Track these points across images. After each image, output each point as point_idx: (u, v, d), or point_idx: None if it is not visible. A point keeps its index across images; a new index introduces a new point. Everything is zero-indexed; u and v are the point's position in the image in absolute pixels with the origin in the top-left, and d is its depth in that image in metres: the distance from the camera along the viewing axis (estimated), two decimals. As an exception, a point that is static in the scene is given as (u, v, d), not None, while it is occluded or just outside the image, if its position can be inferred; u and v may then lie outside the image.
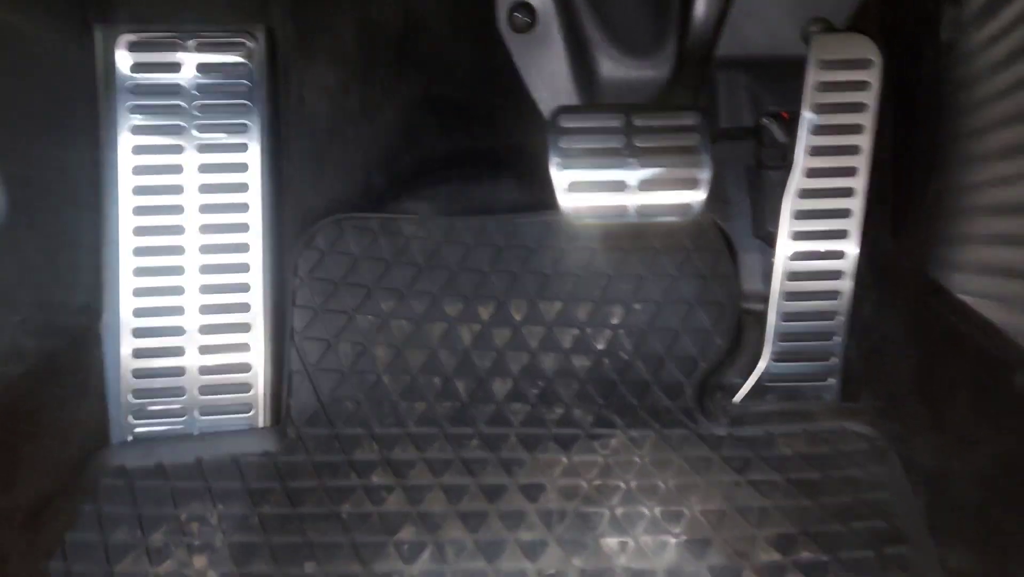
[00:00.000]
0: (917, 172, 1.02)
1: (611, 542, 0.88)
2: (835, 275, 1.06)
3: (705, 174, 0.95)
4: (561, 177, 0.96)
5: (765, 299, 1.15)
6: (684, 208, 0.96)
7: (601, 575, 0.84)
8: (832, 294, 1.06)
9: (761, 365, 1.07)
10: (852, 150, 1.03)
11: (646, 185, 0.95)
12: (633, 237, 1.17)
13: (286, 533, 0.89)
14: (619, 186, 0.96)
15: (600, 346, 1.12)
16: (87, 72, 0.99)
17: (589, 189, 0.96)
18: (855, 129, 1.03)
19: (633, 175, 0.95)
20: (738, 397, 1.08)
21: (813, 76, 1.02)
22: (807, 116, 1.02)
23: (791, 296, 1.06)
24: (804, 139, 1.03)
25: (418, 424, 1.04)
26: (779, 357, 1.07)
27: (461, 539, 0.88)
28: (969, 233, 0.91)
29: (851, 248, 1.05)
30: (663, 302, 1.14)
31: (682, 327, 1.13)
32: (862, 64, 1.02)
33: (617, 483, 0.96)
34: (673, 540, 0.88)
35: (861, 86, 1.02)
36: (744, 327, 1.16)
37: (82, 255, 0.98)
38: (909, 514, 0.88)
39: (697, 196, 0.96)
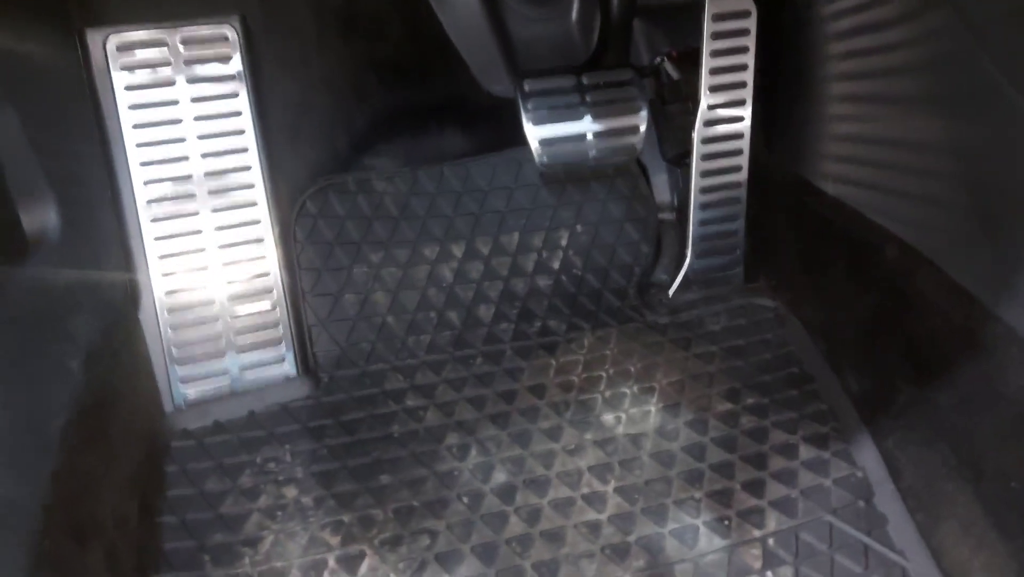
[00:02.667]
0: (785, 103, 1.31)
1: (608, 418, 1.15)
2: (734, 186, 1.34)
3: (643, 120, 1.19)
4: (534, 133, 1.15)
5: (674, 209, 1.43)
6: (630, 149, 1.20)
7: (608, 443, 1.11)
8: (733, 201, 1.35)
9: (686, 263, 1.35)
10: (740, 85, 1.29)
11: (599, 135, 1.18)
12: (567, 171, 1.39)
13: (355, 456, 1.08)
14: (579, 137, 1.17)
15: (556, 266, 1.35)
16: (83, 77, 1.04)
17: (557, 143, 1.17)
18: (741, 68, 1.29)
19: (589, 127, 1.17)
20: (671, 291, 1.36)
21: (708, 28, 1.26)
22: (705, 61, 1.27)
23: (703, 207, 1.34)
24: (704, 80, 1.27)
25: (428, 353, 1.24)
26: (698, 255, 1.36)
27: (496, 435, 1.11)
28: (827, 152, 1.21)
29: (744, 163, 1.33)
30: (599, 223, 1.39)
31: (617, 241, 1.39)
32: (743, 15, 1.27)
33: (599, 373, 1.22)
34: (653, 408, 1.16)
35: (743, 33, 1.27)
36: (662, 234, 1.43)
37: (113, 247, 1.07)
38: (812, 359, 1.21)
39: (638, 139, 1.20)
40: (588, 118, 1.17)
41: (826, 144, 1.21)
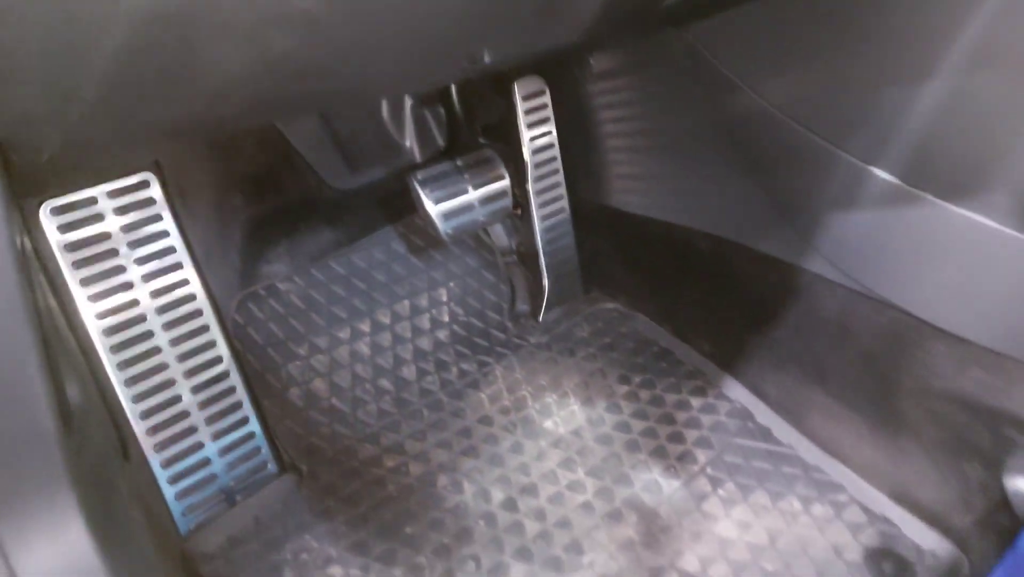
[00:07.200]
0: (580, 152, 1.68)
1: (548, 424, 1.40)
2: (564, 222, 1.68)
3: (508, 185, 1.47)
4: (437, 211, 1.37)
5: (513, 252, 1.73)
6: (505, 209, 1.47)
7: (560, 442, 1.36)
8: (565, 234, 1.68)
9: (546, 291, 1.66)
10: (551, 145, 1.63)
11: (482, 203, 1.43)
12: (423, 237, 1.62)
13: (371, 521, 1.19)
14: (469, 207, 1.41)
15: (446, 319, 1.57)
16: (22, 246, 1.02)
17: (453, 215, 1.40)
18: (548, 131, 1.63)
19: (474, 198, 1.42)
20: (540, 316, 1.65)
21: (520, 105, 1.58)
22: (523, 131, 1.59)
23: (547, 244, 1.66)
24: (527, 144, 1.59)
25: (379, 419, 1.38)
26: (551, 282, 1.67)
27: (476, 465, 1.31)
28: (619, 186, 1.60)
29: (565, 204, 1.68)
30: (463, 274, 1.64)
31: (481, 286, 1.65)
32: (541, 93, 1.61)
33: (522, 393, 1.47)
34: (575, 408, 1.44)
35: (543, 107, 1.62)
36: (511, 274, 1.72)
37: (95, 404, 1.05)
38: (664, 338, 1.59)
39: (508, 200, 1.48)
40: (471, 190, 1.42)
41: (617, 180, 1.60)
